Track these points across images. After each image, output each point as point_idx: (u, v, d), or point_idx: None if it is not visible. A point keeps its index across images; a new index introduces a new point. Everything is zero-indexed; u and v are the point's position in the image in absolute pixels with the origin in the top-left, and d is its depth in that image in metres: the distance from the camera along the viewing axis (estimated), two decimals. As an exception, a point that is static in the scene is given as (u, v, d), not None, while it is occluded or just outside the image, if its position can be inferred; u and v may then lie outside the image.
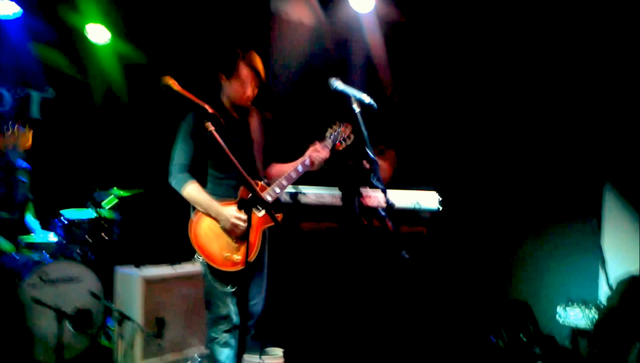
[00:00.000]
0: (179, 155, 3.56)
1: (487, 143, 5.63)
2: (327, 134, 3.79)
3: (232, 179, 3.61)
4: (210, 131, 2.62)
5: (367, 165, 3.64)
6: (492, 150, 5.62)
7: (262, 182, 3.74)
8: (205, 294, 3.63)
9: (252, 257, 3.55)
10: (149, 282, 4.74)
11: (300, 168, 3.71)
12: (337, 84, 3.30)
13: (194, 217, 3.56)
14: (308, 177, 3.90)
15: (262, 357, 4.30)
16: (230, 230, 3.56)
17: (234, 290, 3.57)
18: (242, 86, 3.62)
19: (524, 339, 5.11)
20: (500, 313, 5.33)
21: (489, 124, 5.60)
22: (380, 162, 4.78)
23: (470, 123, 5.66)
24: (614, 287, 5.01)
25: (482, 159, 5.65)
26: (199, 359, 4.91)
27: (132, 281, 4.72)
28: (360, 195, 4.68)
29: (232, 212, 3.54)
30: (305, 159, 3.72)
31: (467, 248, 5.56)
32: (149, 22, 5.97)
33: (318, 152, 3.72)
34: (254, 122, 3.80)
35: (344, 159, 4.09)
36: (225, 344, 3.58)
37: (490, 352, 5.02)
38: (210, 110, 2.61)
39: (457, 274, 5.42)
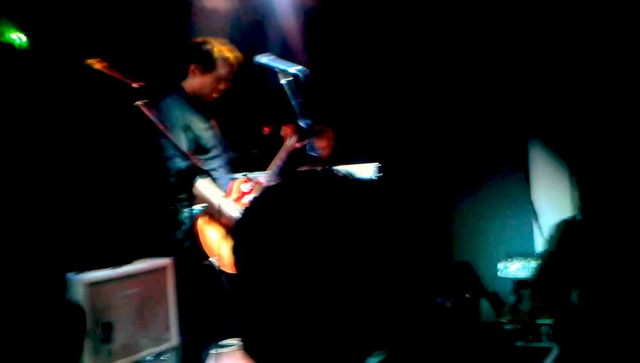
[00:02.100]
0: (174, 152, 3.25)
1: (411, 108, 5.71)
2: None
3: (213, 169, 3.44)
4: (139, 107, 2.53)
5: (298, 140, 3.66)
6: (417, 116, 5.70)
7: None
8: None
9: None
10: (92, 285, 4.62)
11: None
12: (261, 58, 3.28)
13: (200, 221, 3.32)
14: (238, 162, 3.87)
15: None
16: None
17: None
18: (217, 82, 3.48)
19: (469, 297, 5.25)
20: (444, 275, 5.45)
21: (414, 88, 5.68)
22: (319, 141, 4.80)
23: (396, 90, 5.73)
24: (548, 236, 5.20)
25: (408, 125, 5.72)
26: (152, 359, 4.85)
27: (74, 286, 4.59)
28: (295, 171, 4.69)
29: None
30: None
31: (407, 213, 5.63)
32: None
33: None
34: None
35: (274, 140, 4.09)
36: None
37: (439, 313, 5.13)
38: (137, 85, 2.53)
39: (400, 241, 5.49)
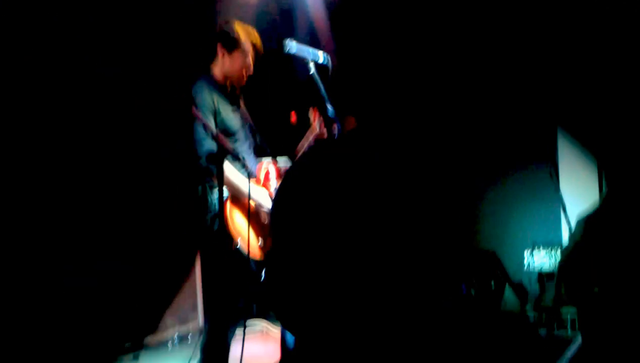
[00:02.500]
0: (204, 135, 3.30)
1: (439, 97, 5.71)
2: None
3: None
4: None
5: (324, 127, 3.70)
6: (445, 104, 5.70)
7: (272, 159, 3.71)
8: None
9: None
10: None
11: None
12: (291, 46, 3.33)
13: (228, 204, 3.37)
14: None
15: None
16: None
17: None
18: (245, 59, 3.56)
19: (493, 286, 5.25)
20: (469, 264, 5.45)
21: (439, 78, 5.68)
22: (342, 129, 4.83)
23: (422, 80, 5.73)
24: (574, 227, 5.17)
25: (436, 113, 5.73)
26: (178, 338, 4.94)
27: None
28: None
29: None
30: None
31: (432, 202, 5.65)
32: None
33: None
34: (242, 104, 3.76)
35: (301, 125, 4.13)
36: None
37: (463, 301, 5.14)
38: None
39: (425, 229, 5.51)
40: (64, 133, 4.68)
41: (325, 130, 3.66)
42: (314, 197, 0.88)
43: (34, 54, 4.42)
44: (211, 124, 3.29)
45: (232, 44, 3.53)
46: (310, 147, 3.66)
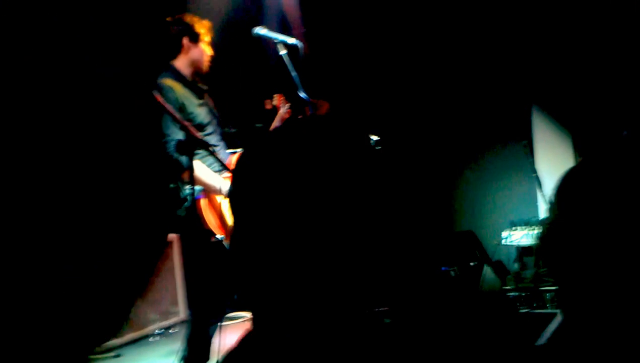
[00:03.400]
0: (174, 129, 3.25)
1: (413, 78, 5.70)
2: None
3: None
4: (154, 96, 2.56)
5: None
6: (419, 86, 5.70)
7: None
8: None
9: None
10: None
11: None
12: (259, 30, 3.31)
13: (203, 197, 3.36)
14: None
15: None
16: None
17: None
18: (207, 45, 3.57)
19: (473, 265, 5.27)
20: (448, 245, 5.48)
21: (413, 59, 5.67)
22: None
23: (397, 61, 5.71)
24: (550, 202, 5.21)
25: (408, 96, 5.72)
26: (160, 332, 4.91)
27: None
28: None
29: None
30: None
31: (409, 185, 5.66)
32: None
33: None
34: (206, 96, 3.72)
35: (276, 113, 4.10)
36: None
37: (443, 281, 5.16)
38: None
39: (403, 211, 5.52)
40: (64, 133, 4.64)
41: (292, 115, 3.66)
42: (277, 171, 0.84)
43: (34, 54, 4.38)
44: (179, 115, 3.25)
45: (196, 35, 3.54)
46: (276, 127, 3.64)
